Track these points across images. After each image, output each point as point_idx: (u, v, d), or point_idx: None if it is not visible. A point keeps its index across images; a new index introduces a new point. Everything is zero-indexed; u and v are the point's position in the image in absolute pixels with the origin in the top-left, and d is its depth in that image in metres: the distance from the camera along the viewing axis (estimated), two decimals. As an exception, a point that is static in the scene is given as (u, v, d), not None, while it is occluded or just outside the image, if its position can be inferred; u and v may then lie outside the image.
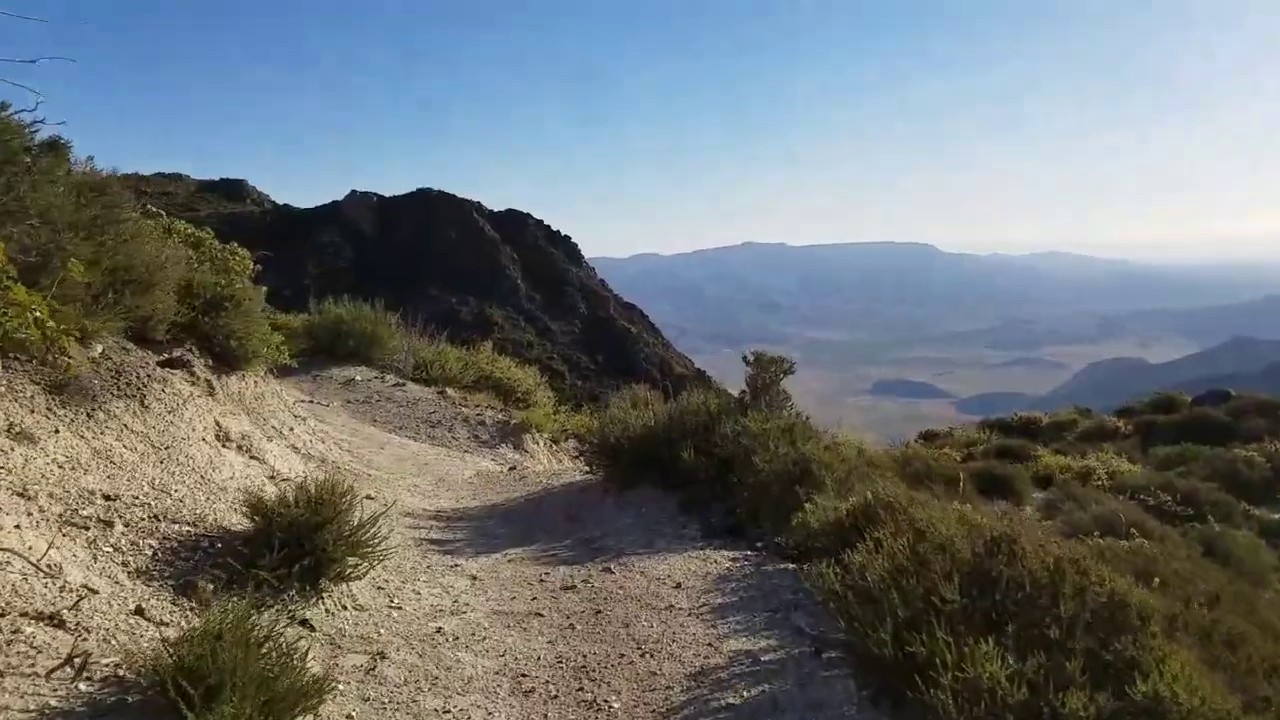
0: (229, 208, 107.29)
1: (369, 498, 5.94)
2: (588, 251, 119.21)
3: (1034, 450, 19.97)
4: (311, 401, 10.79)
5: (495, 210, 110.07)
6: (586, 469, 6.85)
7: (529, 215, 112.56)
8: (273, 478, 5.23)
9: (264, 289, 8.03)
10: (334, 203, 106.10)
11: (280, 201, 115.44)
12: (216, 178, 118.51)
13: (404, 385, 11.86)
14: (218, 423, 5.47)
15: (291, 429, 7.08)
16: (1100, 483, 16.29)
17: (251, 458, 5.25)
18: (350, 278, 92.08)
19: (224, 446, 5.16)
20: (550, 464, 11.01)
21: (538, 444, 11.14)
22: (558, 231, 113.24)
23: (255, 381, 7.18)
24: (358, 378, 11.93)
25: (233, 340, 6.73)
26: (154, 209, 7.71)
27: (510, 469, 8.53)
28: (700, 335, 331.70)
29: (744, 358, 6.65)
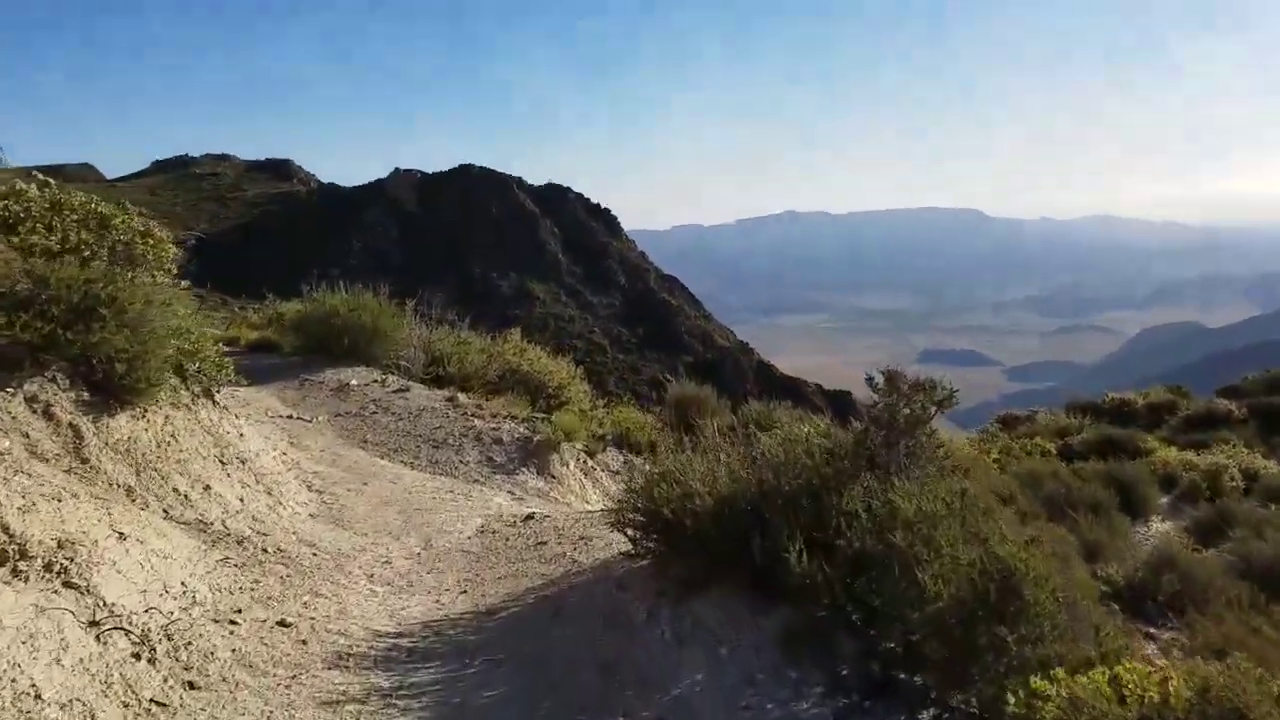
0: (277, 187, 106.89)
1: (282, 625, 3.76)
2: (627, 224, 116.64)
3: (1143, 441, 17.19)
4: (292, 417, 8.69)
5: (535, 185, 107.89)
6: (629, 545, 4.57)
7: (569, 189, 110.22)
8: (94, 624, 3.06)
9: (184, 285, 5.86)
10: (378, 181, 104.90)
11: (326, 180, 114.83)
12: (263, 158, 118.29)
13: (408, 390, 9.70)
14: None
15: (210, 487, 4.91)
16: (1234, 483, 13.64)
17: (66, 585, 3.08)
18: (395, 255, 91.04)
19: (15, 577, 2.99)
20: (582, 491, 8.78)
21: (567, 465, 8.91)
22: (597, 204, 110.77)
23: (163, 419, 5.02)
24: (353, 382, 9.79)
25: (119, 363, 4.57)
26: (41, 177, 5.57)
27: (527, 518, 6.30)
28: (742, 306, 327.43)
29: (870, 379, 4.30)
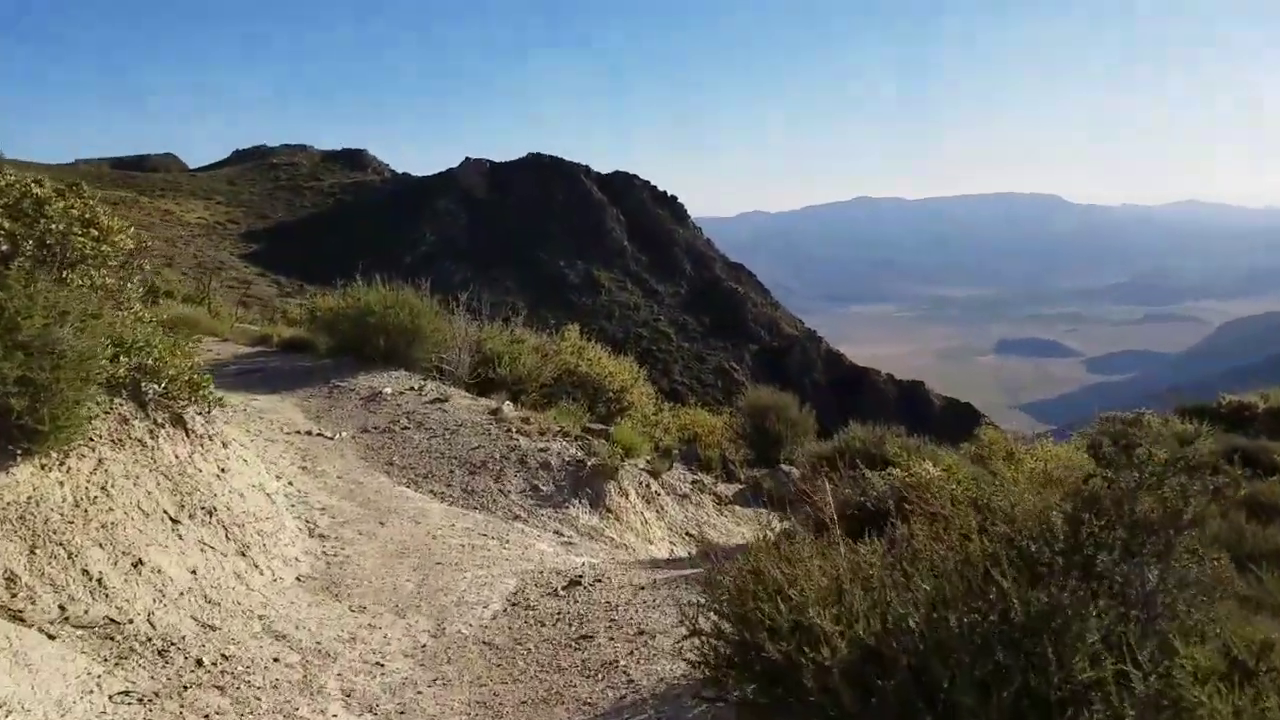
0: (351, 177, 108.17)
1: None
2: (694, 211, 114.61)
3: (1278, 454, 14.91)
4: (311, 433, 7.46)
5: (603, 173, 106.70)
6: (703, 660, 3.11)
7: (635, 176, 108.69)
8: None
9: (136, 281, 4.59)
10: (449, 170, 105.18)
11: (399, 170, 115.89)
12: (339, 148, 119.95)
13: (446, 401, 8.39)
14: None
15: (142, 561, 3.61)
16: None
17: None
18: (464, 242, 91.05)
19: None
20: (644, 528, 7.35)
21: (626, 494, 7.48)
22: (664, 192, 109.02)
23: (91, 466, 3.76)
24: (386, 390, 8.54)
25: (11, 399, 3.30)
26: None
27: (572, 583, 4.89)
28: (810, 294, 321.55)
29: (1096, 448, 2.80)
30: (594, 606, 4.55)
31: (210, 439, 5.07)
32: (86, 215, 4.17)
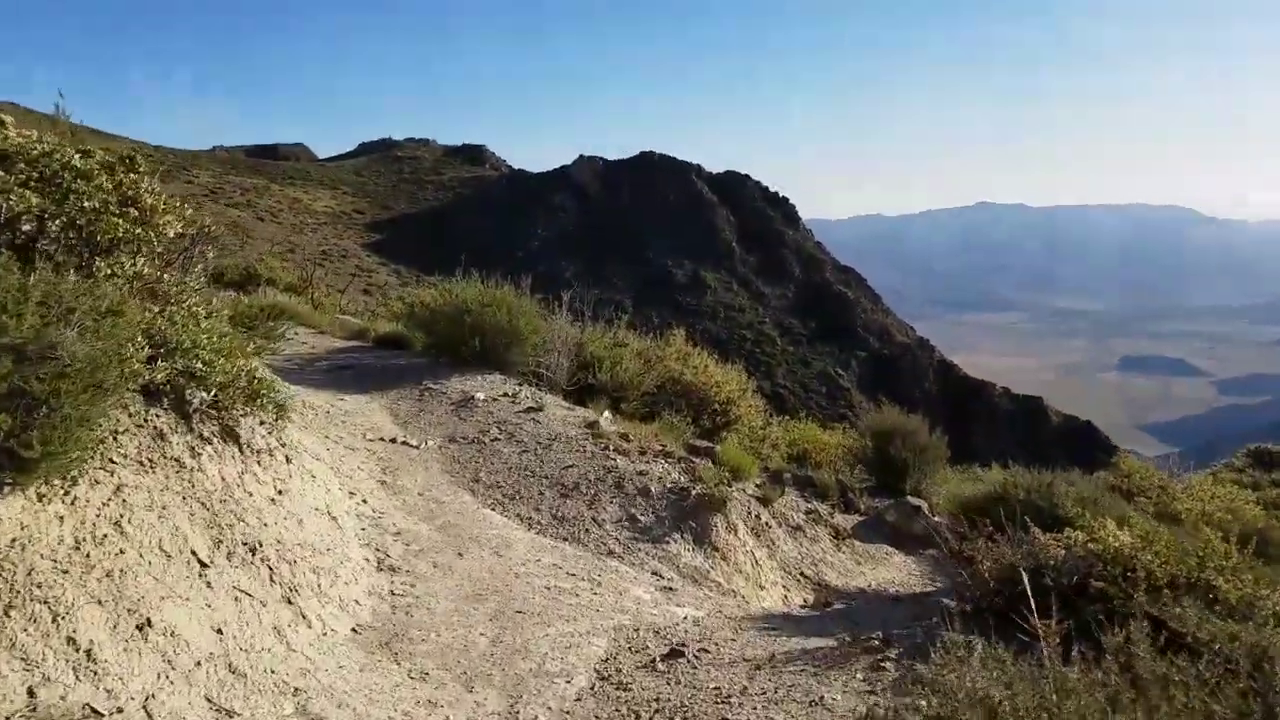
0: (471, 171, 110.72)
1: None
2: (806, 213, 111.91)
3: None
4: (395, 441, 6.83)
5: (715, 172, 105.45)
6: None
7: (747, 177, 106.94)
8: None
9: (198, 270, 3.96)
10: (563, 167, 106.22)
11: (516, 166, 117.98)
12: (460, 143, 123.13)
13: (541, 410, 7.63)
14: None
15: (150, 622, 2.90)
16: None
17: None
18: (576, 239, 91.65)
19: None
20: (755, 570, 6.37)
21: (734, 530, 6.51)
22: (776, 193, 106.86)
23: (105, 498, 3.10)
24: (479, 396, 7.85)
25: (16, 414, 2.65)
26: None
27: (672, 654, 4.00)
28: (924, 300, 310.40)
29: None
30: (700, 694, 3.63)
31: (271, 453, 4.42)
32: (130, 192, 3.52)
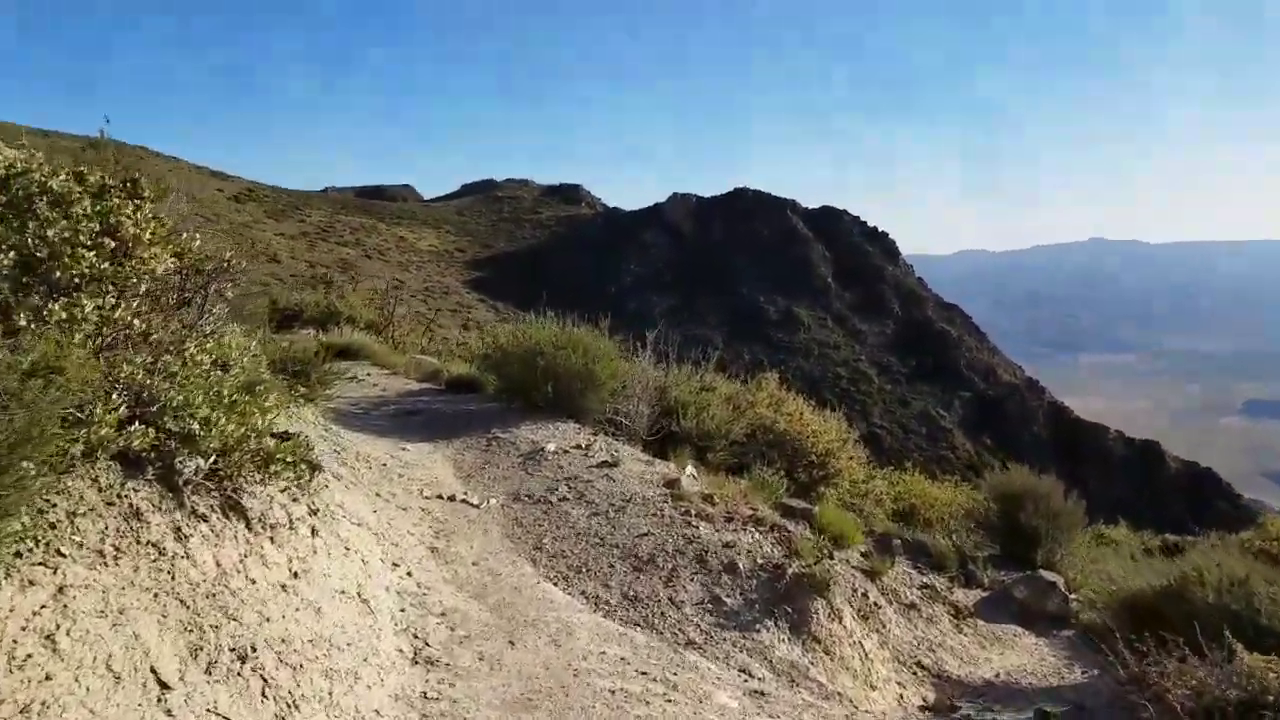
0: (566, 211, 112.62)
1: None
2: (906, 248, 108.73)
3: None
4: (454, 499, 6.14)
5: (810, 208, 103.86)
6: None
7: (844, 212, 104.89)
8: None
9: (217, 311, 3.37)
10: (656, 205, 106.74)
11: (611, 204, 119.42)
12: (557, 183, 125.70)
13: (616, 465, 6.82)
14: None
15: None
16: None
17: None
18: (668, 276, 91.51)
19: None
20: (864, 666, 5.34)
21: (839, 618, 5.50)
22: (874, 228, 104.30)
23: (29, 610, 2.44)
24: (549, 447, 7.12)
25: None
26: None
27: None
28: (1032, 339, 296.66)
29: None
30: None
31: (291, 526, 3.75)
32: (112, 220, 2.93)
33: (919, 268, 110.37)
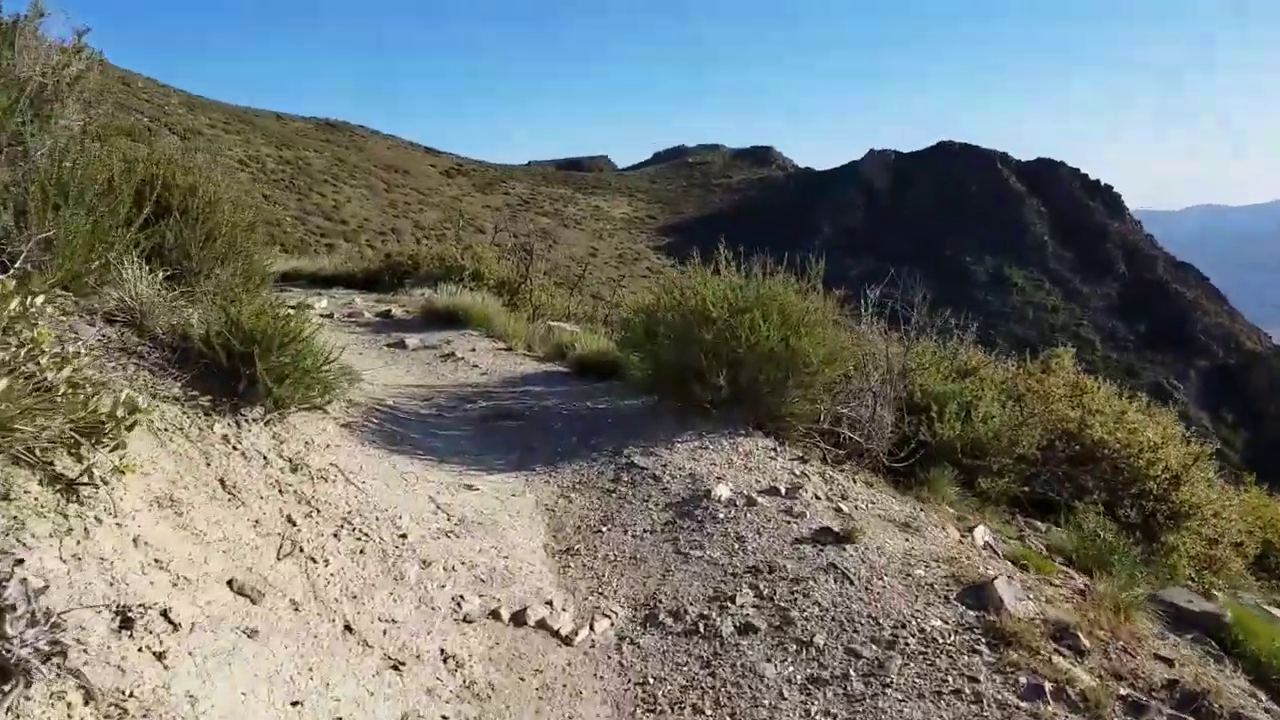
0: (758, 173, 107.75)
1: None
2: (1132, 203, 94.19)
3: None
4: (529, 621, 2.96)
5: (1023, 160, 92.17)
6: None
7: (1062, 164, 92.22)
8: None
9: None
10: (851, 163, 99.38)
11: (803, 165, 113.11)
12: (748, 145, 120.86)
13: (849, 538, 3.34)
14: None
15: None
16: None
17: None
18: (864, 236, 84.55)
19: None
20: None
21: None
22: (1096, 181, 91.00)
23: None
24: (720, 492, 3.75)
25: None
26: None
27: None
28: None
29: None
30: None
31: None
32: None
33: (1148, 224, 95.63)
